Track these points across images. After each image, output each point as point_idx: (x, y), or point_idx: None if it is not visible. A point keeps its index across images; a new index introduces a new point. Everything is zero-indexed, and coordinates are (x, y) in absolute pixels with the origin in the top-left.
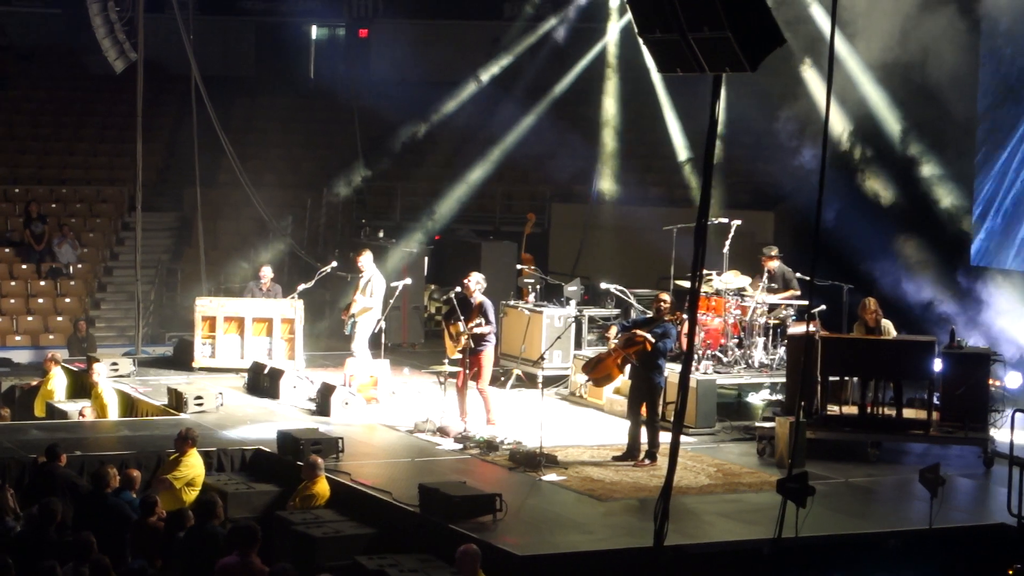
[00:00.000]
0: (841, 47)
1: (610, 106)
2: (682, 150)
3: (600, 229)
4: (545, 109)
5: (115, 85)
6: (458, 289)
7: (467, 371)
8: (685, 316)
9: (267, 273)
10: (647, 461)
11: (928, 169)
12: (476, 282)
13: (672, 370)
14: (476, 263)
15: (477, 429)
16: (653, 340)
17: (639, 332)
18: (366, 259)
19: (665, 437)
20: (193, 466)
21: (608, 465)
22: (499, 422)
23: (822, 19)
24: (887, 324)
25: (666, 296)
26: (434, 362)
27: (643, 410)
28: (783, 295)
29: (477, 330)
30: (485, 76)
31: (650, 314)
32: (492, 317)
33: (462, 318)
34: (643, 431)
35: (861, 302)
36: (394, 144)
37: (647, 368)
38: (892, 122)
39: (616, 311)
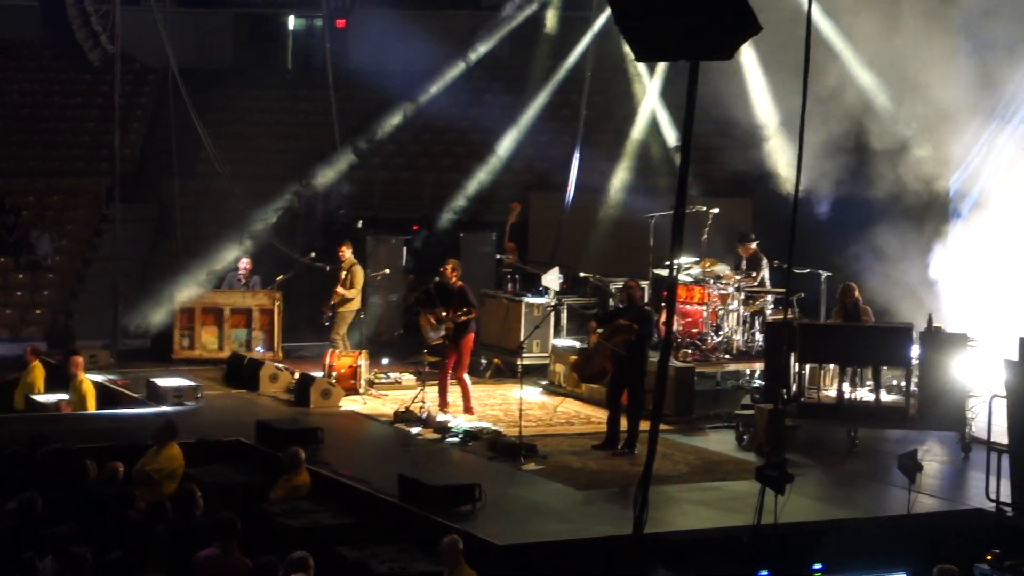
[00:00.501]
0: (833, 36)
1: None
2: (669, 138)
3: (578, 218)
4: (528, 98)
5: (93, 77)
6: (435, 279)
7: (446, 359)
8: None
9: (245, 264)
10: (627, 450)
11: (913, 156)
12: (453, 268)
13: (651, 358)
14: (455, 252)
15: (457, 419)
16: (637, 327)
17: (623, 321)
18: (348, 250)
19: (644, 425)
20: (173, 458)
21: (587, 454)
22: (477, 410)
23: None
24: (866, 310)
25: (636, 283)
26: (413, 352)
27: (623, 398)
28: (748, 280)
29: (463, 317)
30: (472, 57)
31: (619, 303)
32: (474, 301)
33: (439, 306)
34: (622, 419)
35: (841, 287)
36: (373, 134)
37: (633, 356)
38: (882, 109)
39: (595, 299)
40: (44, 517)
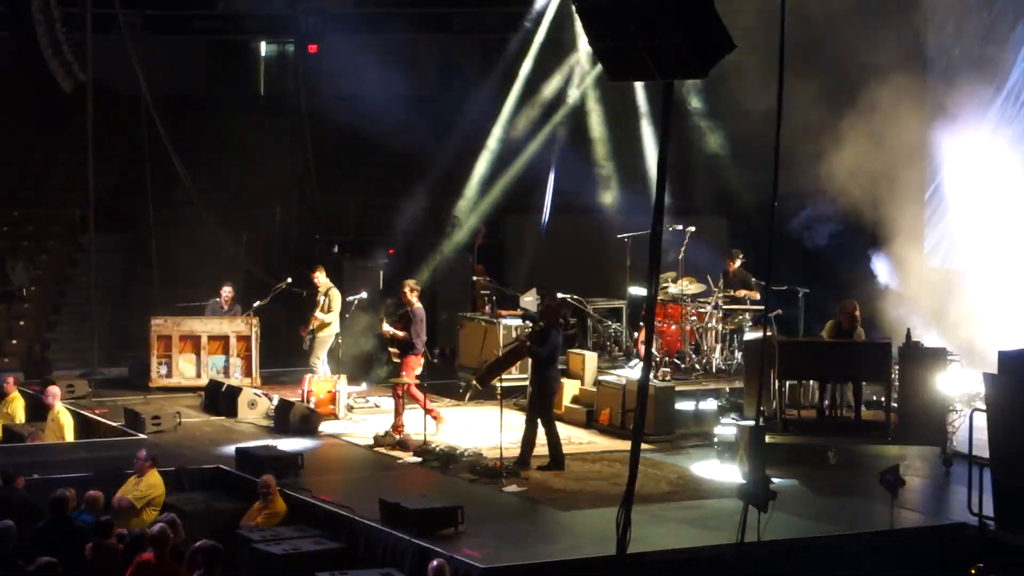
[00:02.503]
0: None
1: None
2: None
3: (555, 239)
4: (500, 120)
5: (65, 107)
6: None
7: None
8: (573, 327)
9: (227, 292)
10: (553, 465)
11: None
12: (410, 289)
13: (630, 378)
14: (430, 275)
15: (437, 441)
16: (530, 344)
17: (524, 338)
18: (320, 275)
19: (626, 445)
20: (154, 486)
21: (569, 475)
22: (458, 432)
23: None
24: (860, 332)
25: (550, 301)
26: (392, 375)
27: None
28: (741, 294)
29: (387, 328)
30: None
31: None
32: (412, 326)
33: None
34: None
35: (841, 303)
36: (347, 159)
37: (536, 373)
38: None
39: (573, 320)
40: (25, 549)
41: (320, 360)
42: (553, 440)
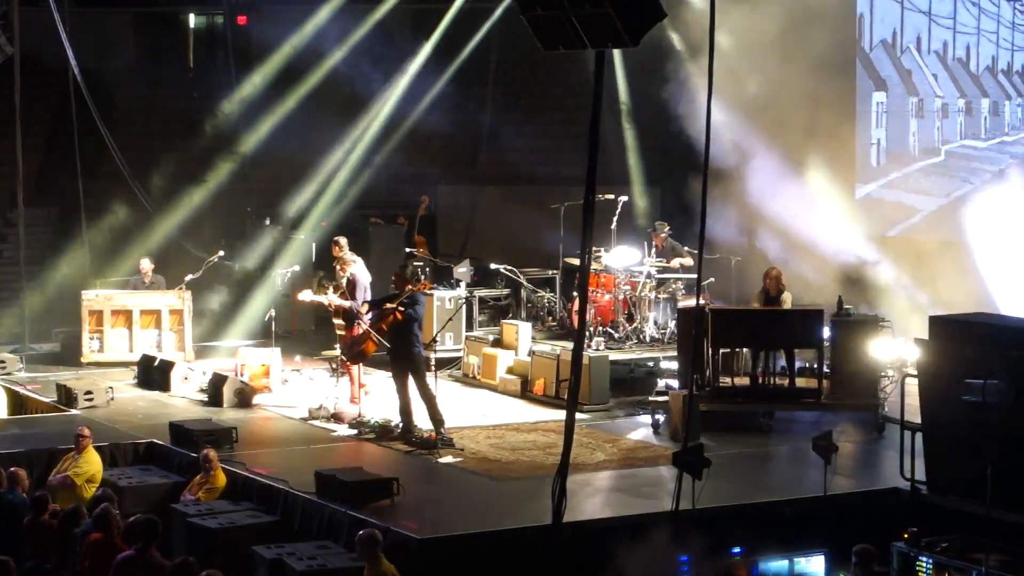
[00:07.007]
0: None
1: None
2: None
3: (489, 209)
4: (433, 88)
5: None
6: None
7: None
8: (434, 286)
9: (146, 265)
10: (439, 435)
11: None
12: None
13: (565, 348)
14: (364, 248)
15: (372, 414)
16: (403, 309)
17: (388, 304)
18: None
19: (560, 414)
20: (92, 462)
21: (503, 445)
22: (362, 400)
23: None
24: (787, 296)
25: (401, 269)
26: (325, 348)
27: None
28: (675, 262)
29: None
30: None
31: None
32: (358, 294)
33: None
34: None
35: (765, 270)
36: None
37: (403, 339)
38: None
39: (506, 291)
40: None
41: None
42: (431, 403)
